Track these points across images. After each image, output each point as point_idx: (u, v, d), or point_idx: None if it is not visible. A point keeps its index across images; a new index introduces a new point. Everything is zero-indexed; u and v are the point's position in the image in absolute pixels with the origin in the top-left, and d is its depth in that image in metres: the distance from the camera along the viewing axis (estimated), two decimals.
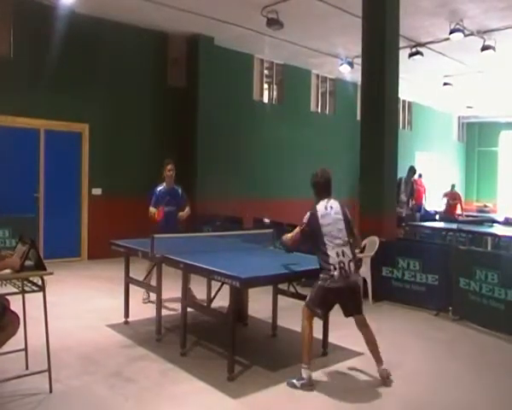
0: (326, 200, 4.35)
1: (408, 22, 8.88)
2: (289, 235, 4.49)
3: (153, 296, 5.69)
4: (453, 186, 14.42)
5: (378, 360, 4.27)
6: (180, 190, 6.80)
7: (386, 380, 4.21)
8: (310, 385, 4.10)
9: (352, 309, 4.33)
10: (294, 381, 4.11)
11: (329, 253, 4.14)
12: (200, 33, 10.77)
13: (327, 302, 4.25)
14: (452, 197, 14.14)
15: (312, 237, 4.27)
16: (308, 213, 4.31)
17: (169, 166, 6.66)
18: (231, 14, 9.47)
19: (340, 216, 4.29)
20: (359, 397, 4.00)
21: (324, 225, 4.20)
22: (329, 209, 4.29)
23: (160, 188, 6.71)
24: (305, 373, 4.12)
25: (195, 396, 3.91)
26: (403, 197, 11.23)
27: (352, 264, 4.19)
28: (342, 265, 4.13)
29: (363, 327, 4.35)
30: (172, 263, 4.85)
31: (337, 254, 4.14)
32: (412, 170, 12.10)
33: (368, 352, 4.57)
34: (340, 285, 4.12)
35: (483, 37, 10.06)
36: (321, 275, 4.19)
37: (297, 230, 4.37)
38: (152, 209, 6.53)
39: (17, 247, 3.78)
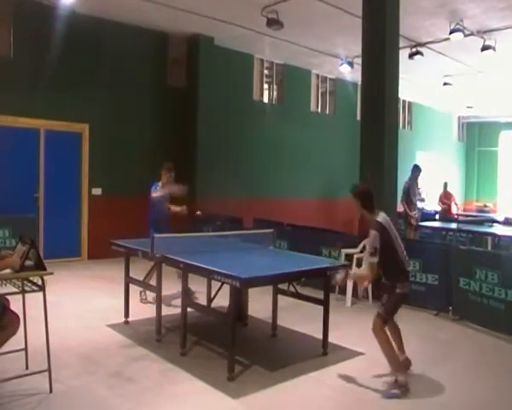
0: (380, 212, 4.32)
1: (408, 22, 8.87)
2: (365, 270, 4.37)
3: (150, 295, 5.70)
4: (446, 185, 14.33)
5: (400, 349, 4.37)
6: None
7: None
8: (407, 388, 4.07)
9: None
10: (395, 391, 4.02)
11: (404, 261, 4.28)
12: (200, 33, 10.77)
13: (399, 308, 4.36)
14: (447, 198, 14.12)
15: (384, 251, 4.13)
16: (375, 233, 4.10)
17: (171, 173, 6.91)
18: (231, 14, 9.46)
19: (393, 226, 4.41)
20: (359, 397, 4.00)
21: (394, 239, 4.25)
22: (390, 221, 4.33)
23: (158, 186, 6.90)
24: (402, 378, 4.08)
25: (195, 396, 3.91)
26: (415, 200, 10.68)
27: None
28: (409, 272, 4.45)
29: (395, 325, 4.44)
30: (172, 263, 4.85)
31: (408, 263, 4.37)
32: (417, 169, 11.25)
33: (368, 352, 4.59)
34: (409, 290, 4.33)
35: (483, 37, 10.05)
36: (398, 284, 4.20)
37: (371, 260, 4.13)
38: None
39: (17, 247, 3.78)
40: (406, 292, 4.26)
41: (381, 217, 4.24)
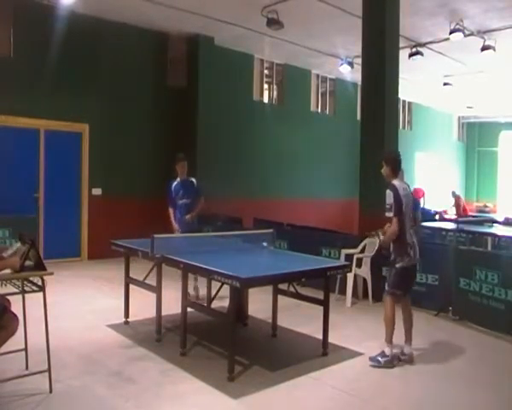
0: (400, 179, 4.63)
1: (408, 22, 8.87)
2: (386, 233, 4.57)
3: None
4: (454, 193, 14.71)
5: (408, 340, 4.67)
6: (195, 181, 6.93)
7: (410, 360, 4.63)
8: (392, 362, 4.46)
9: (410, 288, 4.73)
10: (379, 358, 4.45)
11: (406, 233, 4.50)
12: (200, 33, 10.77)
13: (406, 281, 4.60)
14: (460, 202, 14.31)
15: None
16: (391, 193, 4.45)
17: (181, 163, 6.79)
18: (231, 14, 9.46)
19: (411, 198, 4.66)
20: (359, 397, 3.99)
21: (404, 206, 4.47)
22: (406, 190, 4.59)
23: (174, 183, 6.86)
24: (388, 351, 4.48)
25: (195, 396, 3.91)
26: None
27: (416, 245, 4.61)
28: (413, 244, 4.55)
29: (407, 307, 4.69)
30: (172, 263, 4.85)
31: (410, 235, 4.55)
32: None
33: (368, 352, 4.59)
34: (414, 263, 4.61)
35: (483, 37, 10.05)
36: (397, 257, 4.51)
37: (393, 220, 4.43)
38: (171, 215, 6.81)
39: (17, 246, 3.77)
40: (406, 265, 4.49)
41: (398, 183, 4.56)
